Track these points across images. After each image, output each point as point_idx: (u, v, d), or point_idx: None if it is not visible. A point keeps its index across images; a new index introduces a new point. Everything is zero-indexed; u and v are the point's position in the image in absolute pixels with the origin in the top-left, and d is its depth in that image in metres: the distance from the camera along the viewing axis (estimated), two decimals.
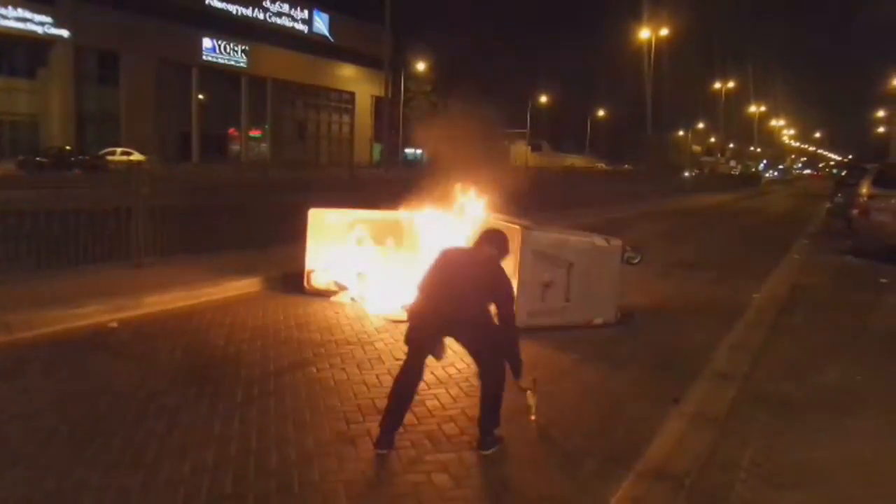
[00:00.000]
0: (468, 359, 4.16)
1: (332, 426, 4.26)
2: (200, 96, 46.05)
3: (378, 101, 54.16)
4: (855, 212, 13.61)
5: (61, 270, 7.89)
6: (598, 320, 6.90)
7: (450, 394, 4.84)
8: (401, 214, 8.44)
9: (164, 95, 42.81)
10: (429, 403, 4.60)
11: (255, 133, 50.99)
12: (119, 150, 36.18)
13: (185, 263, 8.76)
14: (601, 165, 52.52)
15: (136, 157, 35.85)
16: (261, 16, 49.09)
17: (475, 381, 4.91)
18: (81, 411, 4.37)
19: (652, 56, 43.61)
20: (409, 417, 4.14)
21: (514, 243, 6.82)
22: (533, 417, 4.24)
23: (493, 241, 4.11)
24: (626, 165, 48.33)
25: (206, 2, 44.99)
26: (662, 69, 47.78)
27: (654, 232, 17.88)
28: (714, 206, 29.70)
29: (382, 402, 4.47)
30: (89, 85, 40.10)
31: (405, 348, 5.90)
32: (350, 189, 13.50)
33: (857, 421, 4.48)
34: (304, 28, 52.83)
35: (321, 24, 54.15)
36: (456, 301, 3.87)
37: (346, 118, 59.40)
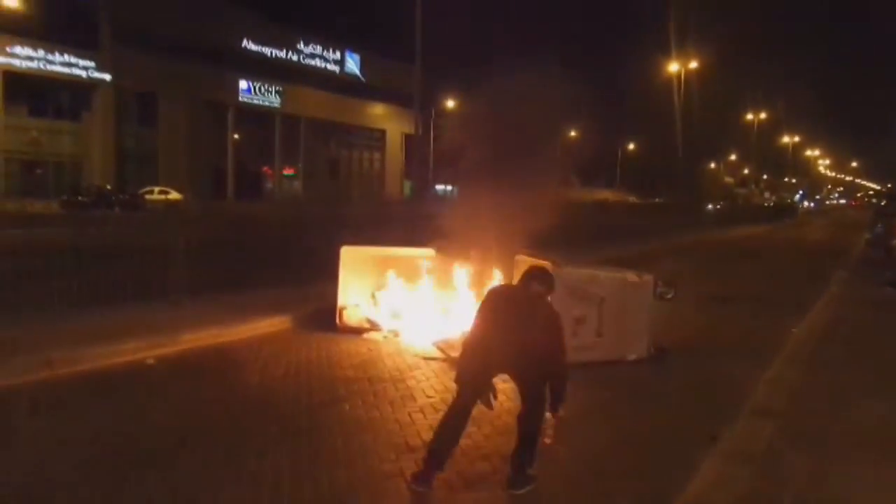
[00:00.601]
0: (501, 396, 4.13)
1: (365, 464, 4.27)
2: (236, 136, 47.16)
3: (408, 138, 54.84)
4: (895, 242, 13.35)
5: (100, 307, 8.06)
6: (632, 356, 6.83)
7: (482, 432, 4.81)
8: (430, 252, 8.50)
9: (200, 135, 43.87)
10: (462, 442, 4.58)
11: (288, 171, 51.90)
12: (157, 188, 37.13)
13: (220, 301, 8.90)
14: (632, 199, 52.12)
15: (174, 195, 36.77)
16: (295, 57, 50.32)
17: (507, 419, 4.89)
18: (119, 446, 4.45)
19: (681, 89, 43.57)
20: None
21: None
22: (548, 441, 4.15)
23: (538, 278, 4.20)
24: (658, 199, 47.83)
25: (243, 45, 46.31)
26: (693, 101, 47.55)
27: (687, 265, 17.69)
28: (749, 239, 29.29)
29: (415, 441, 4.49)
30: (129, 125, 41.36)
31: (437, 386, 5.95)
32: (380, 225, 13.62)
33: None
34: (336, 68, 53.98)
35: (353, 64, 55.29)
36: (508, 337, 3.95)
37: (377, 155, 60.19)
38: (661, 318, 8.29)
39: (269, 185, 50.98)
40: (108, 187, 35.36)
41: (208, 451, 4.40)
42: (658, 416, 5.38)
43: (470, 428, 4.77)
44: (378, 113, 58.16)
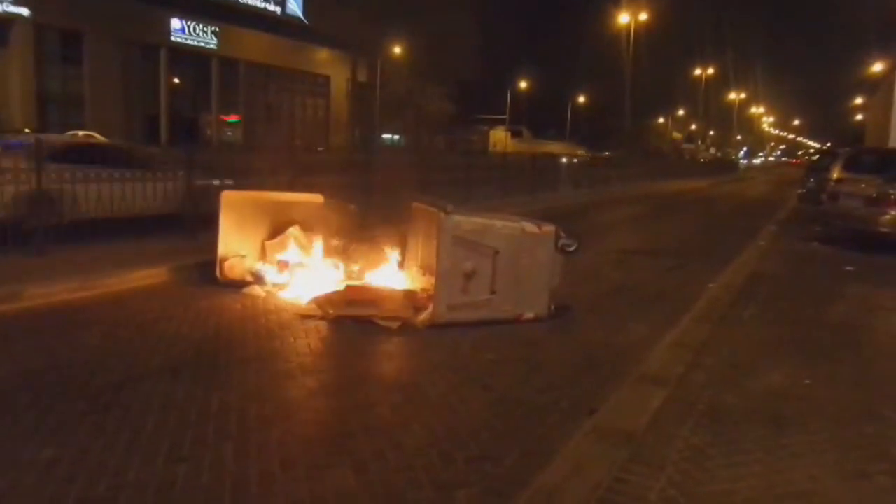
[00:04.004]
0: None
1: (164, 444, 3.55)
2: (173, 79, 44.72)
3: (353, 86, 53.03)
4: (824, 196, 13.09)
5: None
6: (529, 314, 6.21)
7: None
8: (322, 197, 7.72)
9: (131, 77, 41.40)
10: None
11: (231, 118, 49.66)
12: (81, 132, 34.97)
13: (93, 250, 7.98)
14: (581, 152, 51.77)
15: (99, 139, 34.72)
16: None
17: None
18: None
19: (631, 42, 43.02)
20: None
21: (433, 228, 6.15)
22: None
23: None
24: (606, 152, 47.50)
25: None
26: (642, 55, 46.94)
27: (618, 217, 17.31)
28: (688, 192, 29.16)
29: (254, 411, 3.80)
30: (52, 65, 38.66)
31: (302, 349, 5.27)
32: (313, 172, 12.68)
33: (798, 437, 3.81)
34: (277, 9, 51.47)
35: (295, 5, 52.82)
36: None
37: (321, 102, 58.16)
38: (580, 271, 7.75)
39: (207, 131, 48.72)
40: (27, 130, 33.09)
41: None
42: (540, 383, 4.76)
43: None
44: (322, 58, 55.87)
